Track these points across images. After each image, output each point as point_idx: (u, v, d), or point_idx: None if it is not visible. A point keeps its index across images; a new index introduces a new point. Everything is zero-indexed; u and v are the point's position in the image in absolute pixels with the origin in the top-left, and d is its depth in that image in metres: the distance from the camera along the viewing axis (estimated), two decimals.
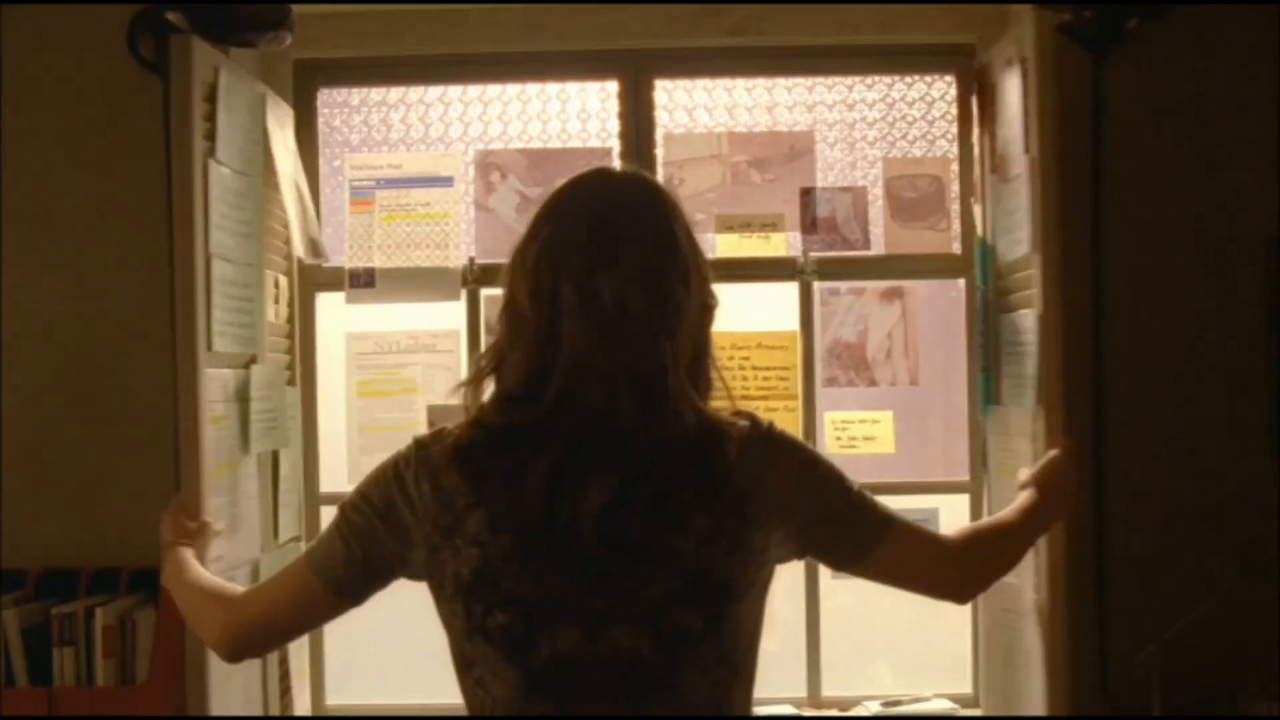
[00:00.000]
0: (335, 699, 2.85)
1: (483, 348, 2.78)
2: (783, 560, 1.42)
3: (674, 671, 1.31)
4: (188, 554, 1.80)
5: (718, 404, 1.43)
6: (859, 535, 1.43)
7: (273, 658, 2.52)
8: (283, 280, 2.67)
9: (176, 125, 2.18)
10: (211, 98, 2.25)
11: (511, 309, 1.37)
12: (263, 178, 2.49)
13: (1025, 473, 1.87)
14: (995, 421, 2.55)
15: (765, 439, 1.38)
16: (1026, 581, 2.25)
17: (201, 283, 2.18)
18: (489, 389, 1.40)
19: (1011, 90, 2.32)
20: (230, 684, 2.25)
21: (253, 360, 2.42)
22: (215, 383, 2.25)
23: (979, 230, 2.65)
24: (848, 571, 1.47)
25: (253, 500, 2.40)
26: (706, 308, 1.43)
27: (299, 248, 2.65)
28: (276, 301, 2.63)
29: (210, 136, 2.24)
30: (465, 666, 1.37)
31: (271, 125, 2.54)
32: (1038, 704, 2.23)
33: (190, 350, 2.16)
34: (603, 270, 1.33)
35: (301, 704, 2.72)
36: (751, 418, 1.40)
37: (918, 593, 1.54)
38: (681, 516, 1.31)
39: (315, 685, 2.81)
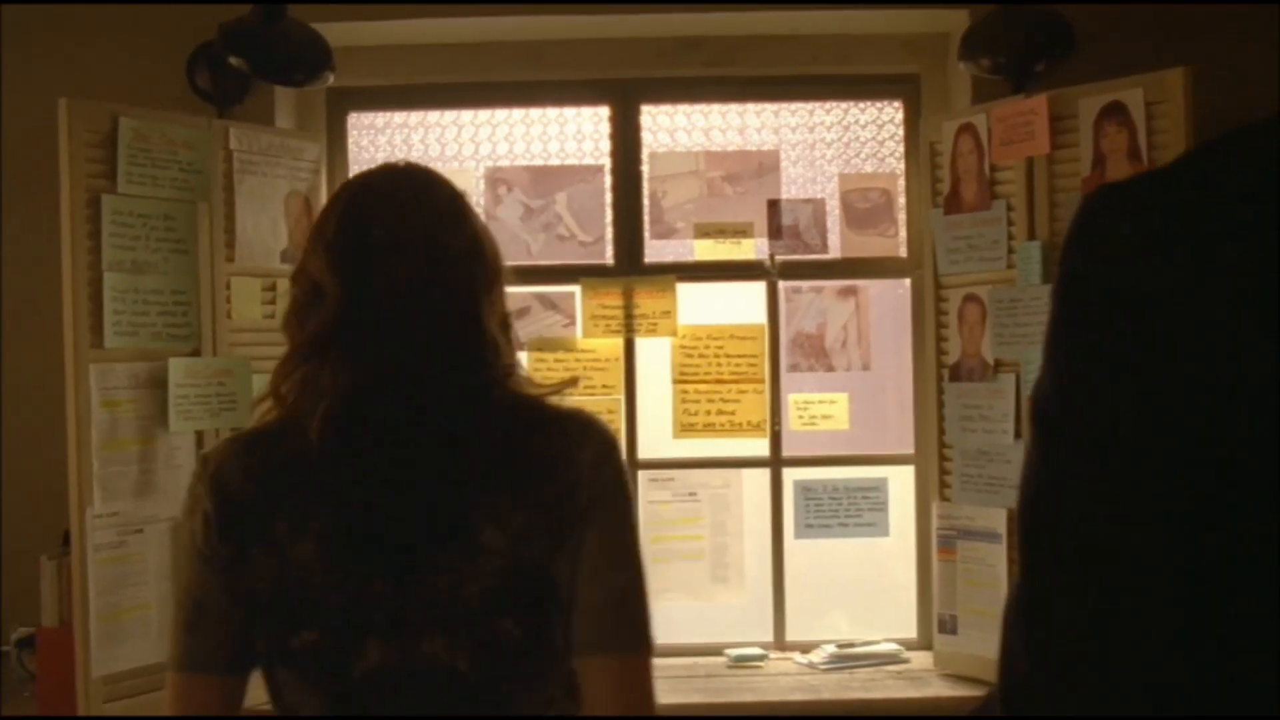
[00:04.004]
0: None
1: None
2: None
3: (496, 687, 1.13)
4: None
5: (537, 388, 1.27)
6: (598, 622, 1.15)
7: None
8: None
9: (66, 170, 2.58)
10: (109, 143, 2.63)
11: (312, 288, 1.19)
12: (215, 200, 2.82)
13: None
14: None
15: (602, 435, 1.20)
16: None
17: (84, 291, 2.59)
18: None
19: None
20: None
21: (195, 352, 2.79)
22: (115, 373, 2.64)
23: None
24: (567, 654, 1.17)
25: (180, 469, 2.73)
26: (504, 287, 1.26)
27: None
28: (274, 303, 2.97)
29: (109, 176, 2.63)
30: (274, 697, 1.19)
31: (251, 157, 2.89)
32: None
33: (73, 345, 2.59)
34: (412, 211, 1.19)
35: None
36: (587, 412, 1.24)
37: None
38: (496, 505, 1.13)
39: None
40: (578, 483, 1.14)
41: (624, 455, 1.22)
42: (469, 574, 1.11)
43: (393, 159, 1.31)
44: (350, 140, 3.27)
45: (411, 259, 1.16)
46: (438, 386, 1.14)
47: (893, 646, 3.11)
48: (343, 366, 1.13)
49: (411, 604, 1.11)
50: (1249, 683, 0.67)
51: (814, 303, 3.19)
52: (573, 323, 3.16)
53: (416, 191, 1.21)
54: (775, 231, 3.19)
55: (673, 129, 3.27)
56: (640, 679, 1.15)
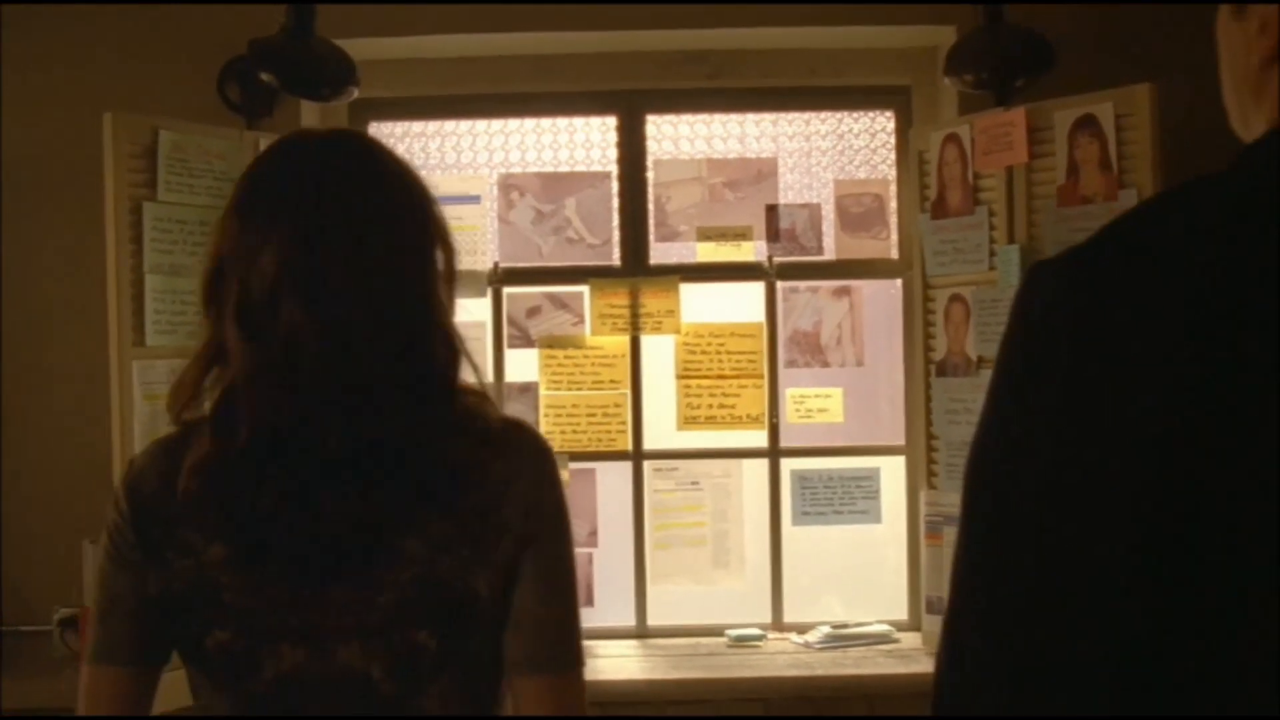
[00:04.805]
0: None
1: (505, 340, 3.23)
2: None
3: (410, 701, 1.10)
4: None
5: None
6: (537, 643, 1.13)
7: None
8: None
9: (110, 180, 2.74)
10: (149, 154, 2.79)
11: (213, 283, 1.18)
12: None
13: None
14: None
15: (537, 452, 1.16)
16: None
17: (127, 293, 2.75)
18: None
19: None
20: None
21: None
22: (155, 368, 2.80)
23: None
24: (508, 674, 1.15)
25: None
26: (451, 270, 1.19)
27: None
28: None
29: (149, 185, 2.79)
30: (194, 696, 1.17)
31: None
32: None
33: (117, 343, 2.75)
34: (331, 197, 1.10)
35: None
36: (525, 424, 1.20)
37: None
38: (418, 513, 1.09)
39: None
40: (507, 498, 1.11)
41: (557, 466, 1.18)
42: (387, 581, 1.08)
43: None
44: None
45: (355, 268, 1.11)
46: (368, 393, 1.09)
47: (884, 627, 3.23)
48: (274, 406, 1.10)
49: (327, 610, 1.08)
50: (1205, 690, 0.72)
51: (810, 302, 3.32)
52: (582, 321, 3.28)
53: (372, 166, 1.16)
54: (773, 234, 3.32)
55: (676, 138, 3.40)
56: (575, 695, 1.15)
